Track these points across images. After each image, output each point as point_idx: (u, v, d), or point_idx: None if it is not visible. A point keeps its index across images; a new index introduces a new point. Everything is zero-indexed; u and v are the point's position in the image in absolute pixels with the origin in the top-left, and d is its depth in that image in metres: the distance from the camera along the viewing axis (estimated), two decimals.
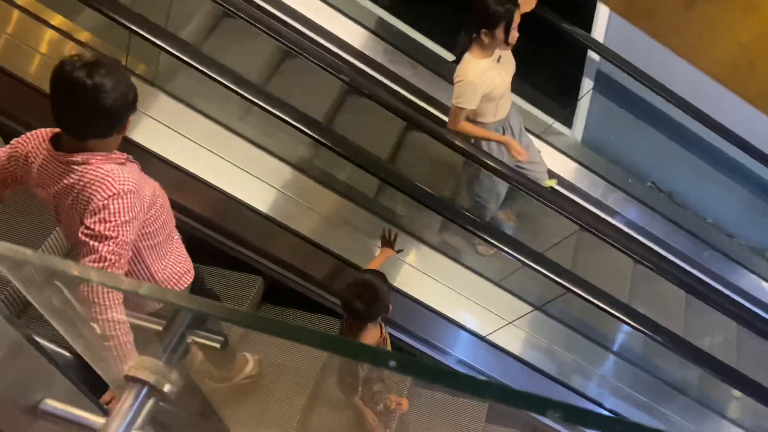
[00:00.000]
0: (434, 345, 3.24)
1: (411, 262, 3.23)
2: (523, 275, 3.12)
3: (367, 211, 3.34)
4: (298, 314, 3.23)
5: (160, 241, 1.92)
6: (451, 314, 3.24)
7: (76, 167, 1.67)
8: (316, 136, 2.55)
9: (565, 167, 4.25)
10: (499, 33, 2.70)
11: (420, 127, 3.09)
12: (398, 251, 2.75)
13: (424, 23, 4.11)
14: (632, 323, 2.64)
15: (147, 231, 1.83)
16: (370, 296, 2.17)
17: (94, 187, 1.65)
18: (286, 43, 2.98)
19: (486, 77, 2.81)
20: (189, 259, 2.13)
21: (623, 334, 3.71)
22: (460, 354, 3.29)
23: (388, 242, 2.74)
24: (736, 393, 3.61)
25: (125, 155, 1.79)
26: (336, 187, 3.32)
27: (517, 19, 2.70)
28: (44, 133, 1.78)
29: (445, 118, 3.82)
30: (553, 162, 4.12)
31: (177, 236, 2.10)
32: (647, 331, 2.65)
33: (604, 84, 4.01)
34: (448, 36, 3.91)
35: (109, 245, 1.63)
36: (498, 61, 2.89)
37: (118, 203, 1.64)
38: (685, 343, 2.75)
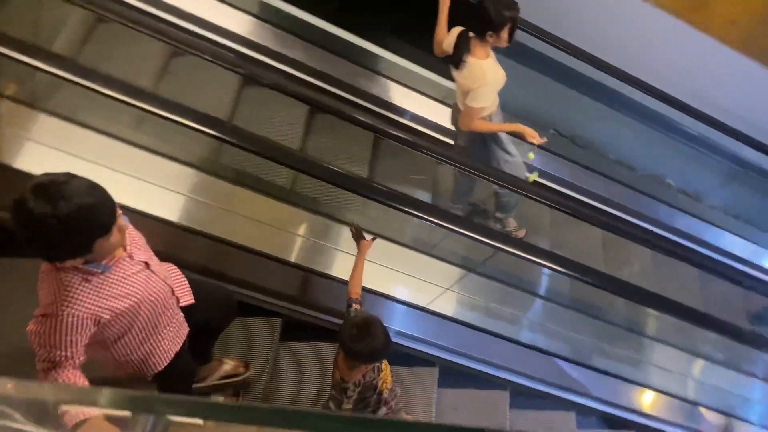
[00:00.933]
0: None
1: (343, 248, 3.19)
2: (453, 241, 3.17)
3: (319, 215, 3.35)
4: (320, 347, 3.19)
5: (133, 340, 1.93)
6: (392, 292, 3.24)
7: (57, 269, 1.66)
8: (221, 136, 2.41)
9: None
10: (504, 34, 2.88)
11: (332, 112, 3.01)
12: (372, 239, 2.69)
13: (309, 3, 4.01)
14: (560, 269, 2.71)
15: (113, 334, 1.85)
16: (366, 343, 2.15)
17: (42, 293, 1.66)
18: (170, 41, 2.78)
19: (497, 75, 3.03)
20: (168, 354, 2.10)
21: (551, 280, 3.87)
22: (402, 327, 3.30)
23: (359, 236, 2.69)
24: (654, 313, 3.90)
25: (100, 270, 1.70)
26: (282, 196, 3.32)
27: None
28: None
29: (350, 97, 3.83)
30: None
31: (168, 333, 2.07)
32: (576, 274, 2.74)
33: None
34: (336, 12, 3.88)
35: (41, 353, 1.66)
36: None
37: (53, 323, 1.63)
38: (612, 279, 2.87)
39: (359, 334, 2.14)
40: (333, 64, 3.92)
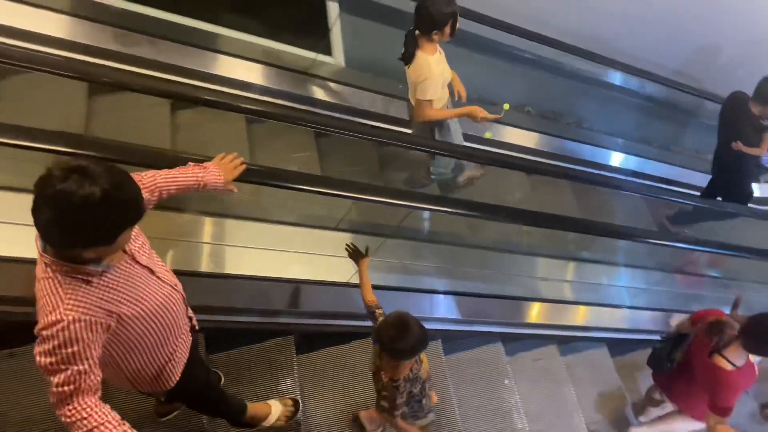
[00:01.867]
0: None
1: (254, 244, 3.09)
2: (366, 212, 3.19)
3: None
4: (332, 351, 3.26)
5: (145, 353, 1.83)
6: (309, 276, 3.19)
7: (43, 263, 1.54)
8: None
9: (339, 92, 4.27)
10: (447, 30, 3.08)
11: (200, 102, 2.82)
12: (367, 254, 2.71)
13: None
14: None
15: (118, 349, 1.74)
16: (404, 340, 2.19)
17: (41, 303, 1.52)
18: None
19: (441, 69, 3.22)
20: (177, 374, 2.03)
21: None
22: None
23: (357, 254, 2.70)
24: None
25: (98, 269, 1.56)
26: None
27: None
28: None
29: (215, 87, 3.63)
30: (325, 92, 4.16)
31: (181, 343, 1.99)
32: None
33: (349, 3, 4.01)
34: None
35: (59, 377, 1.49)
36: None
37: (62, 334, 1.48)
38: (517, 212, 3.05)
39: (398, 334, 2.19)
40: (180, 54, 3.67)
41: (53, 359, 1.48)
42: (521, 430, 3.47)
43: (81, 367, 1.50)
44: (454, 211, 2.91)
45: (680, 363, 3.24)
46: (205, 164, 2.01)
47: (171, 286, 1.85)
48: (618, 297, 4.51)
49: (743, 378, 2.88)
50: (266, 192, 2.60)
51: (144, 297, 1.70)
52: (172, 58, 3.58)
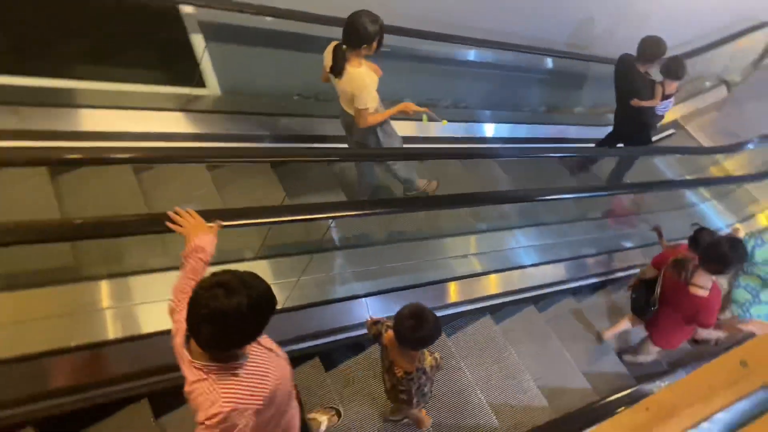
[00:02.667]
0: None
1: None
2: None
3: None
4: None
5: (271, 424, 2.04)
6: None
7: (194, 369, 1.76)
8: None
9: (219, 122, 4.21)
10: (374, 44, 3.36)
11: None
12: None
13: None
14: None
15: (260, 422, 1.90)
16: (423, 329, 2.36)
17: (199, 401, 1.75)
18: None
19: (373, 78, 3.46)
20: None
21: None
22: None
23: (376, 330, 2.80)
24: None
25: (241, 362, 1.82)
26: None
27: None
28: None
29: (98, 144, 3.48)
30: (206, 124, 4.09)
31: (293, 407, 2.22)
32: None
33: (213, 32, 3.95)
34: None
35: None
36: None
37: (222, 425, 1.72)
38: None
39: (417, 324, 2.35)
40: (52, 117, 3.47)
41: None
42: (478, 404, 3.61)
43: None
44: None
45: (661, 306, 3.66)
46: (190, 246, 2.12)
47: (284, 359, 2.08)
48: (536, 256, 4.77)
49: (715, 297, 3.38)
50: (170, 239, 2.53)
51: (272, 373, 1.92)
52: (41, 123, 3.39)
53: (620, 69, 4.98)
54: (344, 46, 3.35)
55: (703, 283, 3.33)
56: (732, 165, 6.30)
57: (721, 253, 3.23)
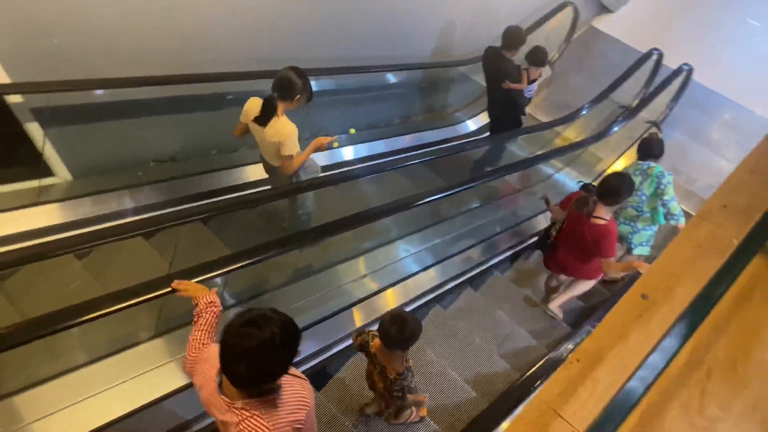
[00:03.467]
0: None
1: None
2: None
3: None
4: None
5: None
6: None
7: (236, 410, 1.85)
8: None
9: (78, 207, 3.97)
10: (304, 98, 3.64)
11: None
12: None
13: None
14: None
15: None
16: (407, 330, 2.64)
17: None
18: None
19: (295, 127, 3.64)
20: None
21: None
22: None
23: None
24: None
25: (278, 393, 1.90)
26: None
27: None
28: (215, 360, 1.82)
29: None
30: (64, 212, 3.84)
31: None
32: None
33: (49, 117, 3.72)
34: None
35: None
36: None
37: None
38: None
39: (401, 326, 2.63)
40: None
41: None
42: (456, 381, 3.90)
43: None
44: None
45: (562, 243, 4.30)
46: (204, 302, 2.31)
47: (308, 382, 2.10)
48: (431, 257, 4.96)
49: (613, 226, 3.94)
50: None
51: (307, 398, 2.01)
52: None
53: (489, 58, 5.52)
54: (276, 99, 3.57)
55: (603, 215, 3.88)
56: (573, 133, 6.94)
57: (613, 186, 3.80)
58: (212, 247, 4.03)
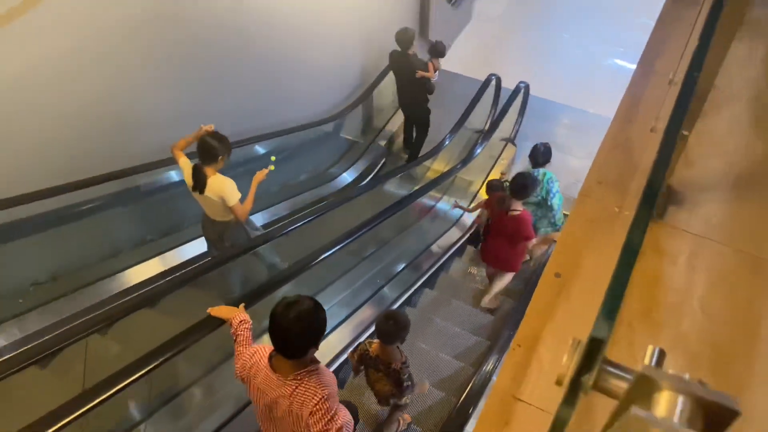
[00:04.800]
0: None
1: None
2: None
3: None
4: None
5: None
6: None
7: (289, 383, 2.31)
8: None
9: None
10: (227, 156, 3.94)
11: None
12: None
13: None
14: None
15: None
16: (401, 322, 3.11)
17: (303, 398, 2.28)
18: None
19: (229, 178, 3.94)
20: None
21: None
22: None
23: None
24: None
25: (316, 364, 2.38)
26: None
27: None
28: (263, 352, 2.45)
29: None
30: None
31: None
32: None
33: None
34: None
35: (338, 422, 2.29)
36: None
37: (327, 404, 2.27)
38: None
39: (395, 321, 3.10)
40: None
41: (329, 415, 2.25)
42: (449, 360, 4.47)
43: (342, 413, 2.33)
44: None
45: (492, 236, 5.03)
46: (236, 321, 2.73)
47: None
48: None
49: (527, 214, 4.73)
50: None
51: (330, 373, 2.43)
52: None
53: (396, 60, 6.70)
54: (203, 165, 3.88)
55: (516, 207, 4.69)
56: (441, 164, 7.36)
57: (521, 183, 4.65)
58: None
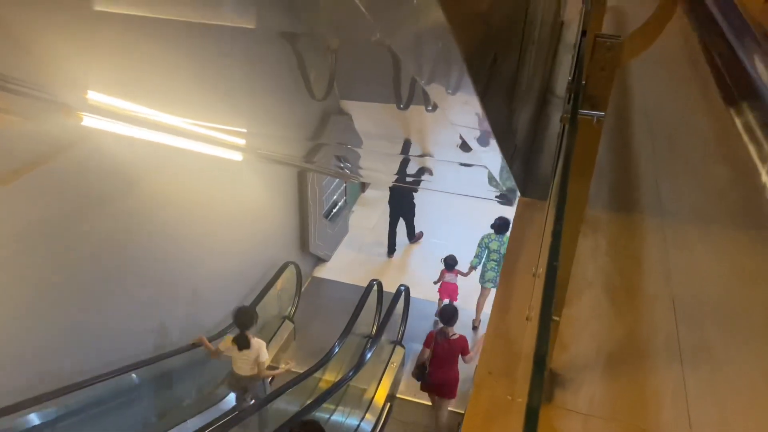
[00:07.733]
0: None
1: None
2: None
3: None
4: None
5: None
6: None
7: None
8: None
9: None
10: (256, 319, 5.81)
11: None
12: None
13: None
14: None
15: None
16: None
17: None
18: None
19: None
20: None
21: None
22: None
23: None
24: None
25: None
26: None
27: None
28: None
29: None
30: None
31: None
32: None
33: None
34: None
35: None
36: None
37: None
38: None
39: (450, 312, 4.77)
40: None
41: None
42: None
43: None
44: None
45: (435, 368, 6.09)
46: None
47: None
48: None
49: (463, 337, 6.07)
50: None
51: None
52: None
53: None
54: (245, 331, 5.45)
55: (453, 333, 6.00)
56: (332, 375, 7.22)
57: (449, 313, 6.00)
58: None
